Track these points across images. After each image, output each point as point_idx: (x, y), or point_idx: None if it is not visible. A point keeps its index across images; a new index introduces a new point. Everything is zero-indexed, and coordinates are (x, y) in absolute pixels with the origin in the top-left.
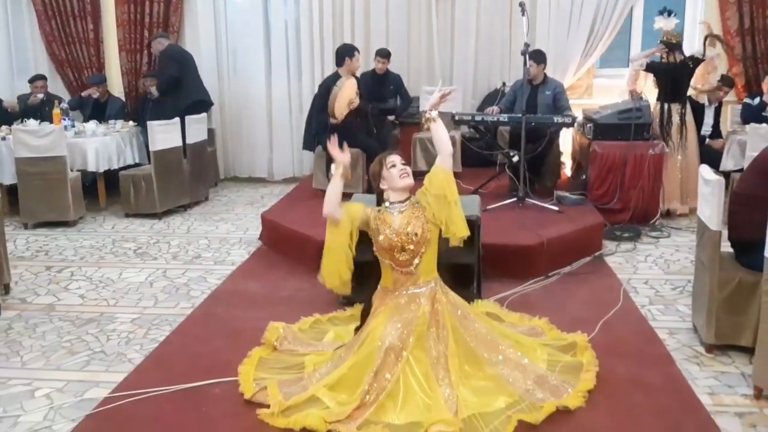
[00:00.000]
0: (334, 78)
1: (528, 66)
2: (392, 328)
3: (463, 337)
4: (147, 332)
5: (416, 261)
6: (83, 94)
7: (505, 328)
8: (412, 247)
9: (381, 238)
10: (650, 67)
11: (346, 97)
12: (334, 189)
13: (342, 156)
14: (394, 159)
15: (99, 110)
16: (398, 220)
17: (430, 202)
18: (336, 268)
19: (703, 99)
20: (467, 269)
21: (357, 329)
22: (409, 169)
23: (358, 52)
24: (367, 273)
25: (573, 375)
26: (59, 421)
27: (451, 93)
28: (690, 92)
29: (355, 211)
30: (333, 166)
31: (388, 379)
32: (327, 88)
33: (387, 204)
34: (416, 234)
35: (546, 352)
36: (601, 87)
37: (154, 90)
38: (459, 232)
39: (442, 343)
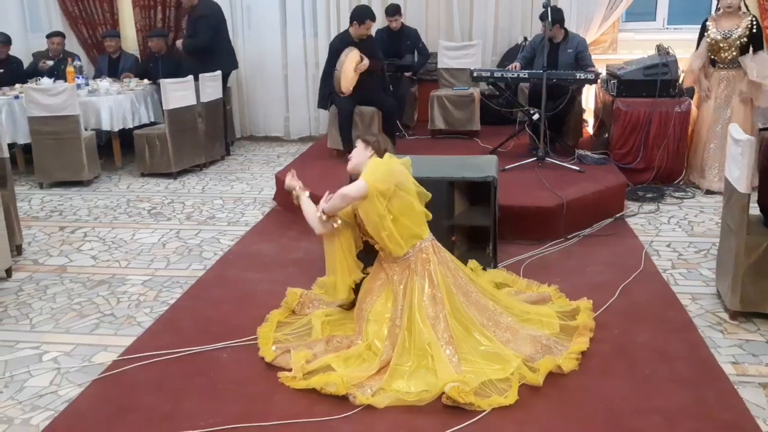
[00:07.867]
0: (343, 39)
1: (543, 25)
2: (394, 307)
3: (456, 300)
4: (158, 295)
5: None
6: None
7: (514, 301)
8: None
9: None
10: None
11: (349, 69)
12: (310, 209)
13: (289, 181)
14: None
15: (112, 67)
16: None
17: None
18: (348, 279)
19: None
20: (483, 231)
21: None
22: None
23: (372, 20)
24: None
25: (569, 339)
26: (66, 386)
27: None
28: None
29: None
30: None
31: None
32: (336, 50)
33: None
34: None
35: (557, 318)
36: (627, 41)
37: (179, 44)
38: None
39: (440, 304)
